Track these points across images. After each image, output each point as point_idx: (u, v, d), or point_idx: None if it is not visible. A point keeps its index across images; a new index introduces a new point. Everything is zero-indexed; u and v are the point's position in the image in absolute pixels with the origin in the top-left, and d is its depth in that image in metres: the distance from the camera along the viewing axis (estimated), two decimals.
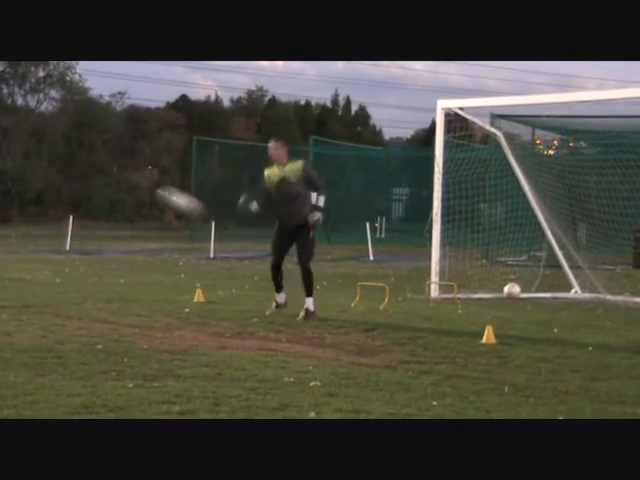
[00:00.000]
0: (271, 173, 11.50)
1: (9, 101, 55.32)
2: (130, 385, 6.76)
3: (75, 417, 5.69)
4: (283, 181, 11.36)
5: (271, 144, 11.50)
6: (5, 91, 55.27)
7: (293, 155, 11.63)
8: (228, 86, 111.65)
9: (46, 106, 56.61)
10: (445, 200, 14.85)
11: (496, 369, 7.91)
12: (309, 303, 11.24)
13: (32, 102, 56.24)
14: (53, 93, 56.21)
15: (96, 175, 54.89)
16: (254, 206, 11.56)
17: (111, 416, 5.75)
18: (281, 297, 11.69)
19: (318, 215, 11.26)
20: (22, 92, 55.32)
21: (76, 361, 7.76)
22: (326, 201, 11.36)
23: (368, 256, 25.42)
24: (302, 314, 11.10)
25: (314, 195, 11.44)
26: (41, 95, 56.07)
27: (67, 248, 26.48)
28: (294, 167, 11.41)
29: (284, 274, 11.65)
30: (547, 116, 16.58)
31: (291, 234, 11.38)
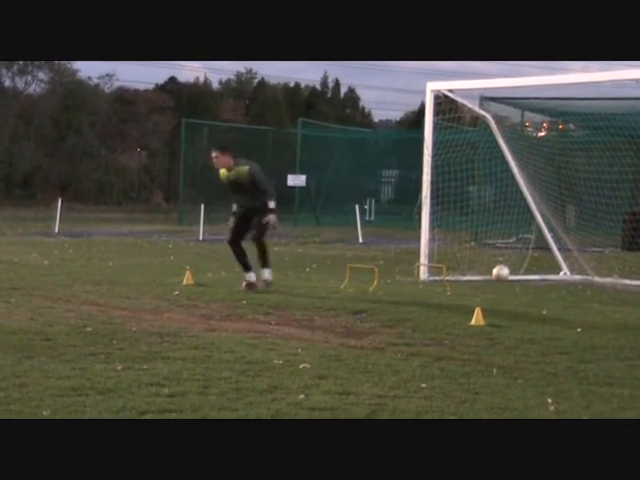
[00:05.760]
0: (223, 176, 12.33)
1: None
2: (119, 367, 6.75)
3: (64, 399, 5.68)
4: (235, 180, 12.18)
5: (213, 154, 12.33)
6: None
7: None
8: (217, 68, 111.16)
9: (34, 88, 56.39)
10: (434, 182, 14.84)
11: (485, 351, 7.92)
12: (266, 274, 12.12)
13: (20, 84, 55.99)
14: (41, 75, 55.96)
15: (84, 157, 54.72)
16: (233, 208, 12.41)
17: (100, 398, 5.74)
18: (250, 276, 12.18)
19: (272, 218, 11.94)
20: (10, 74, 55.00)
21: (65, 343, 7.74)
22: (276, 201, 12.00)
23: (357, 238, 25.42)
24: (262, 285, 11.98)
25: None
26: (29, 77, 55.78)
27: (56, 230, 26.41)
28: (242, 170, 12.12)
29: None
30: (536, 98, 16.58)
31: (249, 216, 12.10)
